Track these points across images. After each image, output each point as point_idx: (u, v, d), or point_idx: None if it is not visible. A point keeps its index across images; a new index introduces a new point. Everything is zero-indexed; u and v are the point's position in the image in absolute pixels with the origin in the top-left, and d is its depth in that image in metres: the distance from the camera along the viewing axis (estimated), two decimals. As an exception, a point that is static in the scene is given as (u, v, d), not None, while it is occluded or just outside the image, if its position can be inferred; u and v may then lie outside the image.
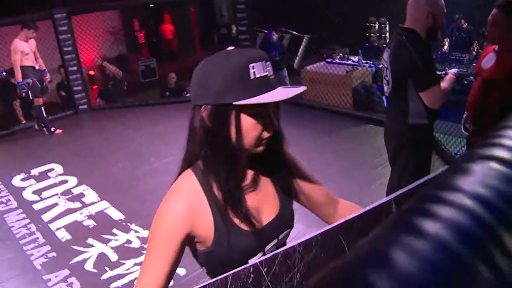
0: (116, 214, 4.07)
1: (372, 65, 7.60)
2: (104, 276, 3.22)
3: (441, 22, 2.59)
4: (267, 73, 1.10)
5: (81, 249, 3.59)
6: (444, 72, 2.95)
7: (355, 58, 7.75)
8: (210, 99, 1.08)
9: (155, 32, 13.05)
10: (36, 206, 4.39)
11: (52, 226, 3.99)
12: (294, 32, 9.46)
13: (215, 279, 1.03)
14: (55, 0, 7.19)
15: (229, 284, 0.99)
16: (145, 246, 3.48)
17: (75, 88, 7.31)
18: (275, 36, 8.27)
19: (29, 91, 6.21)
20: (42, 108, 6.43)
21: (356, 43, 7.75)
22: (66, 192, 4.61)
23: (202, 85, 1.11)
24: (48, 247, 3.68)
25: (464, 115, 2.91)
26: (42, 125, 6.58)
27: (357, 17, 7.52)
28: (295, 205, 1.34)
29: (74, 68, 7.24)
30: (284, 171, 1.27)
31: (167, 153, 5.33)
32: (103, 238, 3.70)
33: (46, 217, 4.16)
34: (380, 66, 7.18)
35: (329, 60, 7.84)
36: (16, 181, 5.04)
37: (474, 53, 7.62)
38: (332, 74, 7.08)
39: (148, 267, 1.13)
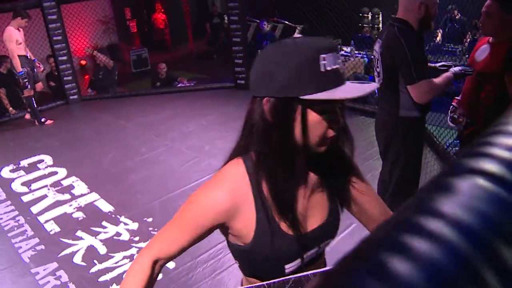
0: (105, 206, 4.03)
1: (365, 56, 7.57)
2: (93, 269, 3.19)
3: (433, 12, 2.55)
4: (338, 65, 1.00)
5: (70, 241, 3.55)
6: (441, 64, 2.90)
7: (348, 49, 7.70)
8: (274, 91, 0.99)
9: (147, 21, 12.92)
10: (25, 198, 4.34)
11: (41, 219, 3.94)
12: (287, 22, 9.38)
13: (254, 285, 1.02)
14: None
15: None
16: (134, 239, 3.46)
17: (65, 78, 7.22)
18: (266, 26, 8.21)
19: (26, 81, 6.12)
20: (33, 98, 6.35)
21: (349, 33, 7.68)
22: (56, 184, 4.56)
23: (266, 75, 1.01)
24: (36, 240, 3.63)
25: (451, 106, 2.88)
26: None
27: (350, 7, 7.45)
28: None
29: (64, 57, 7.14)
30: (340, 176, 1.17)
31: (158, 144, 5.30)
32: (92, 230, 3.67)
33: (35, 209, 4.12)
34: (372, 56, 7.18)
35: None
36: (5, 172, 4.98)
37: (467, 44, 7.60)
38: (324, 64, 7.03)
39: (167, 233, 1.12)
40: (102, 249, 3.41)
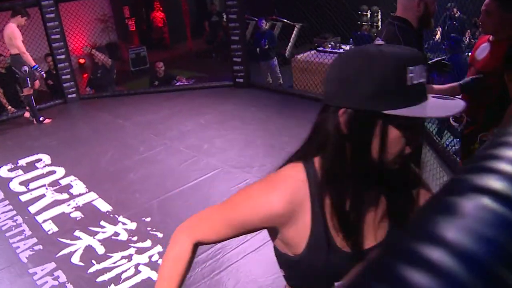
0: (103, 206, 4.01)
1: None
2: (91, 270, 3.17)
3: (433, 9, 2.52)
4: (423, 79, 0.91)
5: (68, 241, 3.53)
6: (434, 60, 2.87)
7: (347, 47, 7.68)
8: (354, 103, 0.91)
9: (146, 19, 12.89)
10: (23, 198, 4.32)
11: (39, 218, 3.92)
12: (286, 20, 9.36)
13: None
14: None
15: None
16: (132, 239, 3.44)
17: (63, 77, 7.19)
18: (264, 24, 8.18)
19: (27, 79, 6.12)
20: (32, 97, 6.34)
21: (348, 31, 7.67)
22: (54, 183, 4.54)
23: (346, 84, 0.93)
24: (34, 240, 3.62)
25: None
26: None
27: (349, 6, 7.43)
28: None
29: (62, 56, 7.10)
30: (406, 194, 1.07)
31: (156, 143, 5.27)
32: (90, 230, 3.65)
33: (33, 208, 4.10)
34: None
35: (320, 49, 7.78)
36: (3, 171, 4.95)
37: (466, 42, 7.58)
38: (323, 63, 7.02)
39: (212, 222, 1.09)
40: (100, 249, 3.39)
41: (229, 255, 3.14)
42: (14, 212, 4.07)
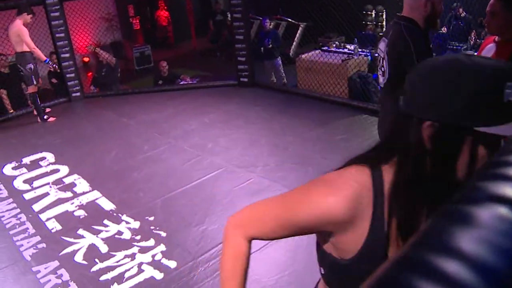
0: (107, 205, 4.02)
1: (368, 54, 7.52)
2: (94, 268, 3.17)
3: (439, 9, 2.51)
4: None
5: (71, 240, 3.53)
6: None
7: (351, 47, 7.66)
8: (442, 116, 0.85)
9: (150, 18, 12.89)
10: (27, 196, 4.33)
11: (43, 216, 3.93)
12: (290, 20, 9.34)
13: None
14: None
15: None
16: (136, 237, 3.44)
17: (68, 75, 7.20)
18: (268, 24, 8.16)
19: (32, 76, 6.16)
20: (37, 94, 6.37)
21: (353, 31, 7.64)
22: (58, 182, 4.55)
23: (435, 96, 0.87)
24: (38, 238, 3.62)
25: None
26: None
27: (354, 5, 7.40)
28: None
29: (67, 55, 7.11)
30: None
31: (160, 142, 5.27)
32: (94, 229, 3.65)
33: (36, 207, 4.10)
34: (376, 55, 7.13)
35: (325, 48, 7.75)
36: (8, 169, 4.96)
37: (471, 42, 7.54)
38: (327, 62, 7.00)
39: (266, 220, 1.05)
40: (104, 248, 3.39)
41: (232, 255, 3.12)
42: (18, 210, 4.08)
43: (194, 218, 3.64)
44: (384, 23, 9.82)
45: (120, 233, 3.57)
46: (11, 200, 4.28)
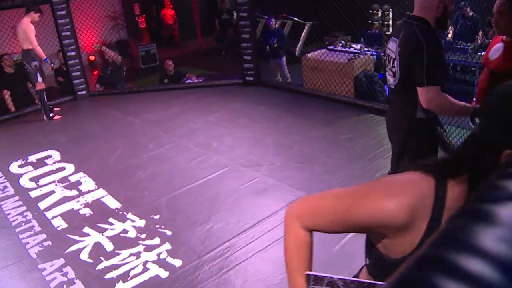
0: (112, 203, 4.02)
1: (374, 53, 7.49)
2: (99, 266, 3.17)
3: (450, 10, 2.49)
4: None
5: (77, 238, 3.54)
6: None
7: (357, 46, 7.63)
8: None
9: (156, 17, 12.91)
10: (33, 194, 4.34)
11: (48, 214, 3.94)
12: (296, 19, 9.32)
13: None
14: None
15: None
16: (141, 236, 3.44)
17: (73, 74, 7.22)
18: (274, 23, 8.16)
19: (37, 73, 6.20)
20: (44, 92, 6.41)
21: (359, 30, 7.62)
22: (63, 180, 4.56)
23: None
24: (43, 236, 3.63)
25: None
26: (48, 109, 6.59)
27: (360, 4, 7.38)
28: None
29: (73, 53, 7.13)
30: None
31: (166, 141, 5.28)
32: (99, 227, 3.65)
33: (42, 205, 4.11)
34: (382, 54, 7.10)
35: (331, 47, 7.73)
36: (14, 167, 4.98)
37: (479, 41, 7.49)
38: (333, 62, 6.98)
39: (324, 214, 1.05)
40: (109, 246, 3.40)
41: (237, 254, 3.13)
42: (24, 208, 4.09)
43: (199, 216, 3.63)
44: (390, 22, 9.78)
45: (125, 231, 3.57)
46: (17, 198, 4.30)
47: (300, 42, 9.25)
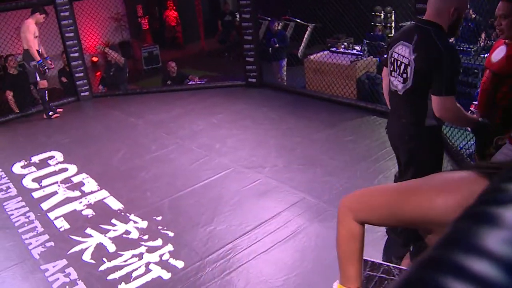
0: (115, 204, 4.03)
1: (377, 55, 7.49)
2: (102, 267, 3.18)
3: (462, 17, 2.44)
4: None
5: (79, 239, 3.55)
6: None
7: (360, 48, 7.63)
8: None
9: (159, 18, 12.93)
10: (36, 194, 4.35)
11: (51, 215, 3.95)
12: (299, 20, 9.33)
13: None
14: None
15: None
16: (143, 237, 3.45)
17: (76, 75, 7.24)
18: (276, 26, 8.18)
19: (36, 73, 6.25)
20: (46, 91, 6.47)
21: (361, 32, 7.62)
22: (66, 181, 4.57)
23: None
24: (46, 236, 3.64)
25: (469, 111, 2.82)
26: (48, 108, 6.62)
27: (363, 6, 7.38)
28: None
29: (76, 54, 7.16)
30: None
31: (168, 142, 5.28)
32: (102, 228, 3.66)
33: (45, 205, 4.12)
34: (385, 56, 7.08)
35: (333, 49, 7.74)
36: (17, 168, 5.00)
37: (481, 43, 7.48)
38: (336, 64, 6.98)
39: (375, 207, 1.09)
40: (111, 247, 3.40)
41: (240, 256, 3.13)
42: (27, 209, 4.10)
43: (201, 218, 3.64)
44: (393, 24, 9.78)
45: (127, 232, 3.58)
46: (20, 198, 4.31)
47: (302, 44, 9.26)
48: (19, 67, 7.07)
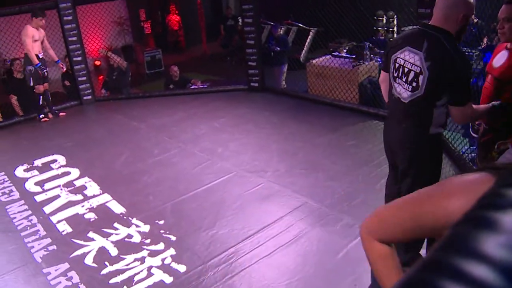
0: (117, 208, 4.03)
1: (379, 60, 7.49)
2: (104, 271, 3.18)
3: (468, 23, 2.43)
4: None
5: (82, 242, 3.55)
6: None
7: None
8: None
9: (161, 22, 12.98)
10: (38, 198, 4.36)
11: (53, 219, 3.95)
12: (301, 25, 9.35)
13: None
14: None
15: None
16: (146, 241, 3.45)
17: (79, 79, 7.27)
18: (279, 31, 8.20)
19: (31, 78, 6.33)
20: (41, 96, 6.55)
21: (364, 37, 7.62)
22: (68, 184, 4.58)
23: None
24: (48, 240, 3.64)
25: None
26: (45, 110, 6.70)
27: (365, 10, 7.39)
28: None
29: (79, 58, 7.19)
30: None
31: (171, 146, 5.29)
32: (104, 232, 3.66)
33: (47, 209, 4.13)
34: (382, 60, 7.08)
35: (335, 53, 7.75)
36: (19, 171, 5.01)
37: (483, 46, 7.48)
38: (338, 68, 6.99)
39: (392, 224, 1.06)
40: (114, 251, 3.41)
41: (242, 260, 3.13)
42: (29, 212, 4.11)
43: (204, 222, 3.64)
44: (395, 28, 9.79)
45: (130, 236, 3.58)
46: (22, 202, 4.32)
47: (305, 48, 9.27)
48: (24, 71, 7.12)
